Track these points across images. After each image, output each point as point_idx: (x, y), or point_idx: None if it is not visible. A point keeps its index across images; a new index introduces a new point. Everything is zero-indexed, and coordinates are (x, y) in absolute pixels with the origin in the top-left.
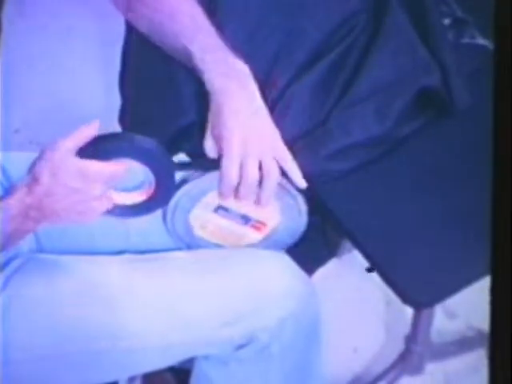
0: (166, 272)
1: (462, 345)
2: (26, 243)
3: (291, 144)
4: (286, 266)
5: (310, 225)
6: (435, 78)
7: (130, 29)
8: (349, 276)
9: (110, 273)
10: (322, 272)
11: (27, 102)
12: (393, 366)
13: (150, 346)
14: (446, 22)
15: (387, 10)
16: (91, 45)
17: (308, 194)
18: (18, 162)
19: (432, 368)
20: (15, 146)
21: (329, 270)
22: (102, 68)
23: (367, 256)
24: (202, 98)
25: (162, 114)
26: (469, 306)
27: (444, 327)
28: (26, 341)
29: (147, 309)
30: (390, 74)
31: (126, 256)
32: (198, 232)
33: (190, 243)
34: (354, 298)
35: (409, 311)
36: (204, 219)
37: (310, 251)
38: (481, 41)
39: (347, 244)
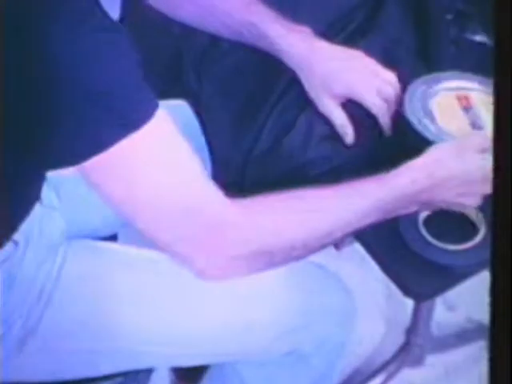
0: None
1: (461, 337)
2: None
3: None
4: (336, 283)
5: None
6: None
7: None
8: (349, 269)
9: (161, 272)
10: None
11: None
12: (393, 358)
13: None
14: (449, 16)
15: (382, 6)
16: None
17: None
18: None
19: (432, 360)
20: None
21: (329, 263)
22: None
23: (368, 248)
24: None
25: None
26: (469, 299)
27: (444, 319)
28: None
29: (200, 316)
30: None
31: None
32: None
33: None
34: (354, 291)
35: (409, 304)
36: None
37: None
38: (482, 36)
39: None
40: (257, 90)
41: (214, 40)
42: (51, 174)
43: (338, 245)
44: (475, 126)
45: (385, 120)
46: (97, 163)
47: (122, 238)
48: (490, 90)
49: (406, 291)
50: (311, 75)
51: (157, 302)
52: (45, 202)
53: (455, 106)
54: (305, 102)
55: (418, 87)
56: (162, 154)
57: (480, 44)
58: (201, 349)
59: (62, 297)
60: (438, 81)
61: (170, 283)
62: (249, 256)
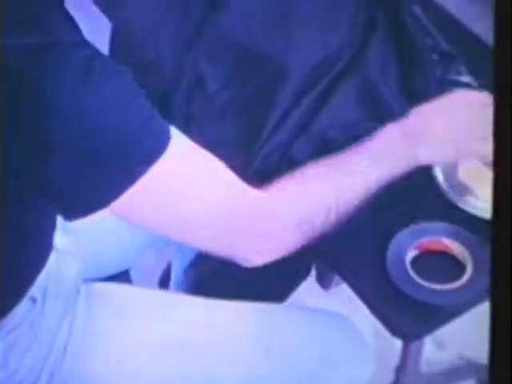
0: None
1: (451, 375)
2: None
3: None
4: (354, 335)
5: (301, 261)
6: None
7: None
8: (337, 309)
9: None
10: (310, 305)
11: None
12: None
13: None
14: (434, 56)
15: (368, 44)
16: None
17: None
18: None
19: None
20: None
21: (317, 303)
22: None
23: (356, 289)
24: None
25: None
26: (458, 336)
27: (434, 357)
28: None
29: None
30: (352, 113)
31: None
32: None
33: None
34: None
35: (398, 343)
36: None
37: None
38: (467, 77)
39: (336, 277)
40: (243, 132)
41: (201, 81)
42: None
43: (325, 285)
44: None
45: None
46: (128, 200)
47: (133, 273)
48: None
49: (394, 331)
50: None
51: (177, 353)
52: (59, 248)
53: (482, 167)
54: (290, 142)
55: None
56: (190, 169)
57: (465, 85)
58: None
59: (87, 349)
60: None
61: (190, 332)
62: (290, 230)
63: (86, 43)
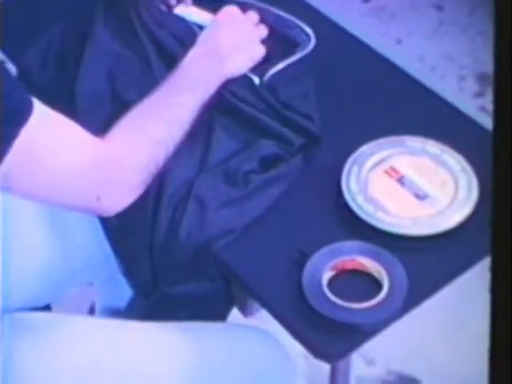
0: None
1: None
2: None
3: None
4: (276, 349)
5: (216, 291)
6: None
7: None
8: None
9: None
10: None
11: None
12: None
13: None
14: None
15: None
16: None
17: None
18: None
19: None
20: None
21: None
22: None
23: (274, 314)
24: None
25: None
26: (386, 351)
27: (363, 373)
28: None
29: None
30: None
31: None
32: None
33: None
34: None
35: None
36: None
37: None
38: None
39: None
40: None
41: None
42: None
43: (246, 311)
44: (419, 196)
45: None
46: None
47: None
48: (403, 148)
49: (316, 353)
50: None
51: (103, 379)
52: None
53: (390, 183)
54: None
55: (348, 172)
56: (55, 133)
57: None
58: None
59: (12, 378)
60: (363, 161)
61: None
62: (138, 173)
63: None
